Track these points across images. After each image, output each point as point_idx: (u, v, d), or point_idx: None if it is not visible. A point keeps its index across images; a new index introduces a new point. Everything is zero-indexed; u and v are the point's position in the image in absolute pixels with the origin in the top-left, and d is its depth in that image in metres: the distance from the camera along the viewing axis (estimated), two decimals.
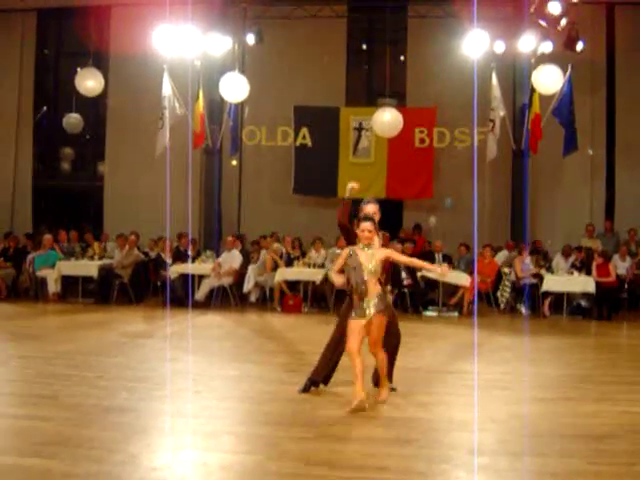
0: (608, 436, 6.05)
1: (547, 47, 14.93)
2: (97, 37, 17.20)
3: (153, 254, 16.01)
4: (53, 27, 20.33)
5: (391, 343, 7.22)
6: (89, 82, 14.98)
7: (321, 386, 7.36)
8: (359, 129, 17.75)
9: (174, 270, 14.60)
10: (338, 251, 14.25)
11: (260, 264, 14.94)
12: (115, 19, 18.63)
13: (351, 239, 7.03)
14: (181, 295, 14.10)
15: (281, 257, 14.87)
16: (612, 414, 6.78)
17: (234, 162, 18.88)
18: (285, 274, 14.25)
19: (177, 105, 15.88)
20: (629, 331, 13.15)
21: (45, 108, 19.92)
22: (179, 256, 15.06)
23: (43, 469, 5.04)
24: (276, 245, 15.26)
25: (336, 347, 7.26)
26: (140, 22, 15.01)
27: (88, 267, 15.09)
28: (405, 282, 14.26)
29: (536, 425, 6.35)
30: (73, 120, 17.20)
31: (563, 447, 5.76)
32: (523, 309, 14.21)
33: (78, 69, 15.28)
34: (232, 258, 14.82)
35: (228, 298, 14.66)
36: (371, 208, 7.18)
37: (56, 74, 20.49)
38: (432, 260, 15.04)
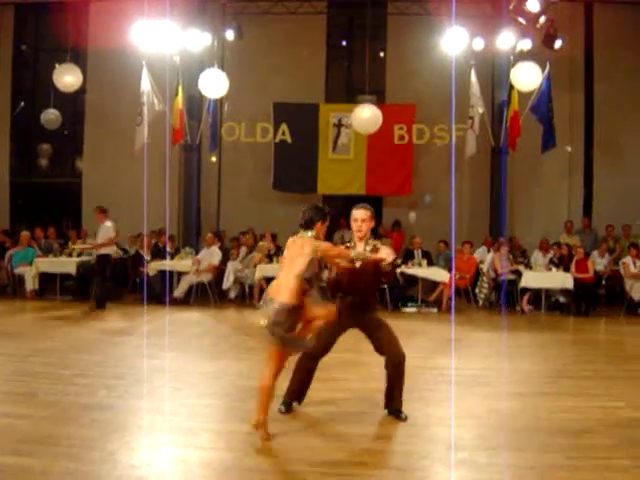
0: (586, 431, 6.10)
1: (526, 44, 15.00)
2: (75, 32, 17.06)
3: (132, 251, 15.94)
4: (31, 22, 20.16)
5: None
6: (67, 78, 14.85)
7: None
8: (338, 125, 17.76)
9: (153, 267, 14.56)
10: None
11: (247, 261, 14.91)
12: (93, 14, 18.51)
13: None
14: (160, 292, 14.07)
15: (268, 255, 14.85)
16: (590, 409, 6.83)
17: (213, 158, 18.84)
18: (265, 270, 14.23)
19: (156, 101, 15.80)
20: (607, 327, 13.23)
21: (23, 104, 19.73)
22: (158, 253, 15.01)
23: (21, 467, 5.02)
24: (263, 244, 15.19)
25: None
26: (119, 17, 14.90)
27: (66, 264, 14.99)
28: (384, 279, 14.24)
29: (514, 420, 6.39)
30: (51, 116, 17.06)
31: (541, 442, 5.80)
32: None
33: (56, 65, 15.14)
34: (211, 255, 14.79)
35: (207, 295, 14.62)
36: (360, 214, 6.56)
37: (34, 70, 20.32)
38: (412, 257, 15.13)
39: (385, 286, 14.18)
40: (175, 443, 5.68)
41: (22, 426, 5.95)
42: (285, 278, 5.66)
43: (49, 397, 6.90)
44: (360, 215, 6.53)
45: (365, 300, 6.50)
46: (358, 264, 6.25)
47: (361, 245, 6.47)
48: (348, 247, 6.44)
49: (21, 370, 8.10)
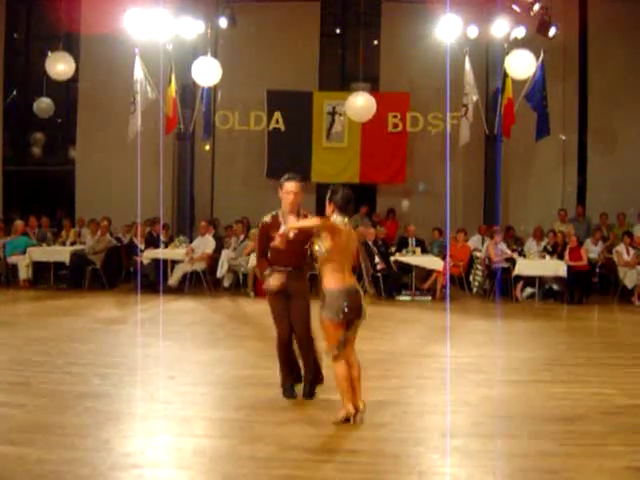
0: (579, 418, 6.13)
1: (520, 32, 14.99)
2: (68, 20, 16.96)
3: (126, 239, 15.92)
4: (23, 10, 20.02)
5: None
6: (60, 66, 14.79)
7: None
8: (332, 113, 17.70)
9: (147, 255, 14.54)
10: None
11: (240, 250, 14.89)
12: (86, 2, 18.34)
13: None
14: (154, 281, 14.06)
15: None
16: (583, 396, 6.86)
17: (207, 147, 18.78)
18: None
19: (149, 89, 15.75)
20: (600, 314, 13.26)
21: (15, 92, 19.65)
22: (152, 241, 14.99)
23: (16, 456, 5.02)
24: (255, 231, 15.13)
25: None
26: (111, 5, 14.80)
27: (60, 253, 14.98)
28: (378, 267, 14.28)
29: (508, 407, 6.41)
30: (44, 104, 17.00)
31: (535, 429, 5.82)
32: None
33: (49, 53, 15.09)
34: (205, 243, 14.78)
35: (201, 283, 14.62)
36: (293, 186, 6.52)
37: (26, 58, 20.18)
38: (406, 245, 15.13)
39: (379, 274, 14.20)
40: (169, 431, 5.68)
41: (16, 415, 5.95)
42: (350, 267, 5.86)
43: (43, 386, 6.90)
44: (293, 187, 6.49)
45: (296, 268, 6.51)
46: (291, 235, 6.26)
47: (292, 217, 6.40)
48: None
49: (15, 359, 8.09)
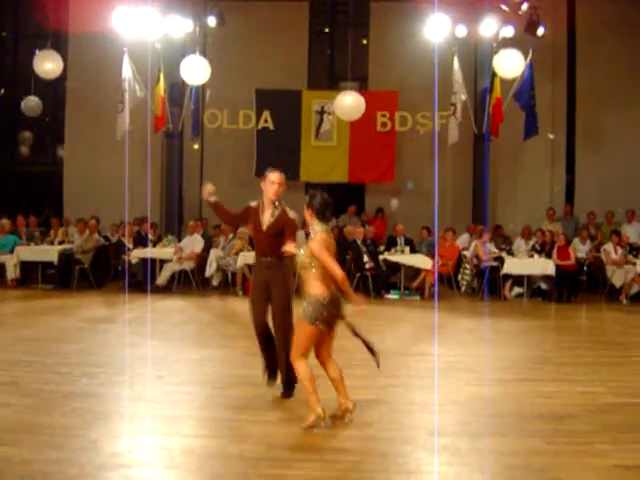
0: (567, 416, 6.15)
1: (508, 31, 15.02)
2: (56, 19, 16.89)
3: (114, 239, 15.88)
4: (10, 8, 19.96)
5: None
6: (48, 64, 14.73)
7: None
8: (321, 112, 17.70)
9: (135, 255, 14.51)
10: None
11: (228, 249, 14.86)
12: (74, 1, 18.25)
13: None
14: (142, 280, 14.03)
15: (251, 242, 14.80)
16: (571, 395, 6.88)
17: (195, 145, 18.76)
18: (248, 258, 14.19)
19: (137, 88, 15.72)
20: (588, 313, 13.31)
21: (3, 91, 19.57)
22: (140, 241, 14.95)
23: (3, 456, 5.00)
24: (243, 230, 15.12)
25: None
26: (99, 4, 14.72)
27: (48, 252, 14.91)
28: (367, 266, 14.29)
29: (496, 406, 6.42)
30: (32, 103, 16.92)
31: (523, 427, 5.84)
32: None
33: (36, 51, 15.02)
34: (194, 242, 14.76)
35: (190, 282, 14.59)
36: (278, 177, 6.67)
37: (14, 56, 20.11)
38: (394, 244, 15.14)
39: (368, 273, 14.21)
40: (157, 431, 5.67)
41: (4, 415, 5.93)
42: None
43: (31, 386, 6.88)
44: (277, 178, 6.64)
45: (277, 258, 6.55)
46: (264, 227, 6.58)
47: (270, 208, 6.62)
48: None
49: (2, 359, 8.05)
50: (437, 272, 14.32)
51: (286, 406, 6.37)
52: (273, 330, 6.64)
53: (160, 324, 10.63)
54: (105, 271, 15.36)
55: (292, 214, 6.59)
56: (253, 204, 6.78)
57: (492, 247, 14.70)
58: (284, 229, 6.44)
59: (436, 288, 14.38)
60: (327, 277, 5.75)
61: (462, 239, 16.00)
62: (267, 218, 6.63)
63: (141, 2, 13.71)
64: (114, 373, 7.49)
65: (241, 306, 12.85)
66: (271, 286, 6.58)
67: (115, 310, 12.45)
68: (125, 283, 13.59)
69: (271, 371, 6.83)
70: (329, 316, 5.71)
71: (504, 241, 15.96)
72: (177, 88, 17.38)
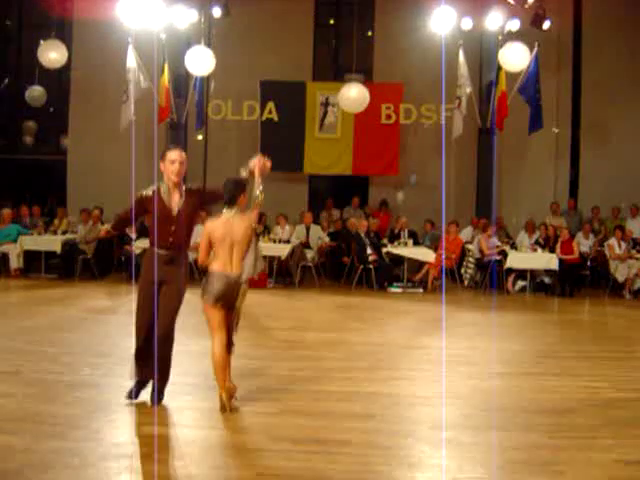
0: (569, 410, 6.14)
1: (514, 25, 14.96)
2: (60, 8, 16.87)
3: None
4: None
5: None
6: (52, 54, 14.72)
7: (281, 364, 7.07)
8: (325, 104, 17.66)
9: (138, 245, 14.49)
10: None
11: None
12: None
13: None
14: None
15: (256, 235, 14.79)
16: (573, 389, 6.88)
17: (199, 136, 18.71)
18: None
19: (142, 78, 15.66)
20: (591, 307, 13.31)
21: (7, 80, 19.54)
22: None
23: (5, 445, 5.00)
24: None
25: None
26: None
27: (51, 242, 14.91)
28: (370, 258, 14.29)
29: (499, 400, 6.41)
30: (36, 93, 16.89)
31: (525, 421, 5.83)
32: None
33: (41, 41, 15.00)
34: (197, 233, 14.71)
35: (193, 273, 14.57)
36: (177, 155, 5.98)
37: (18, 46, 20.07)
38: (398, 237, 15.13)
39: (371, 266, 14.20)
40: (160, 421, 5.67)
41: (6, 404, 5.92)
42: (239, 256, 6.01)
43: (33, 375, 6.88)
44: (178, 156, 5.96)
45: (177, 250, 6.16)
46: (175, 212, 5.97)
47: (177, 193, 6.00)
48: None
49: (5, 348, 8.06)
50: (442, 265, 14.30)
51: (287, 398, 6.36)
52: (156, 329, 6.01)
53: None
54: (108, 261, 15.36)
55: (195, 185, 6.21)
56: (146, 192, 5.99)
57: (496, 241, 14.68)
58: (200, 204, 6.19)
59: (443, 280, 14.37)
60: (227, 258, 6.03)
61: (465, 232, 15.98)
62: (176, 201, 5.97)
63: None
64: (116, 363, 7.49)
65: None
66: (164, 285, 6.06)
67: (118, 300, 12.46)
68: (129, 274, 13.58)
69: (142, 385, 6.14)
70: (220, 291, 6.00)
71: (507, 235, 15.95)
72: (181, 79, 17.38)
